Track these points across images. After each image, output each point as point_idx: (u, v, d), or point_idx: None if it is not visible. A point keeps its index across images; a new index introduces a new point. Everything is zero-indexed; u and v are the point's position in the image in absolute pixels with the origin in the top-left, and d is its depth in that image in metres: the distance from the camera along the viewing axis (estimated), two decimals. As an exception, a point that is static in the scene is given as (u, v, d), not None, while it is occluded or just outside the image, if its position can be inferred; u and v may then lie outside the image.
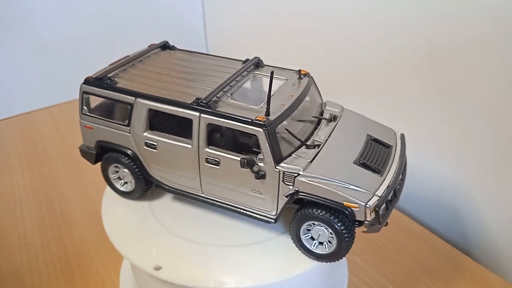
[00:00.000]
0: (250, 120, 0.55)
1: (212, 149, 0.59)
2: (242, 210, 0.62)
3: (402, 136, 0.65)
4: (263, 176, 0.57)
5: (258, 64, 0.71)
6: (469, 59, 0.83)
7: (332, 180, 0.54)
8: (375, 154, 0.60)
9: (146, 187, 0.69)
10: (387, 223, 0.57)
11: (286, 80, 0.66)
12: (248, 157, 0.57)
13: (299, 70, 0.68)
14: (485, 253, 0.91)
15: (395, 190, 0.57)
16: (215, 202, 0.64)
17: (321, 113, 0.67)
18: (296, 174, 0.55)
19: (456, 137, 0.90)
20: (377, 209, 0.53)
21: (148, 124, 0.64)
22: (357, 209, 0.53)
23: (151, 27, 1.57)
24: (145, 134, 0.64)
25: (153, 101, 0.62)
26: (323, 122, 0.65)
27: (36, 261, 0.89)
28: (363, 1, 1.00)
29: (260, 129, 0.55)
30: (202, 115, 0.58)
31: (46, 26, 1.44)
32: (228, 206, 0.63)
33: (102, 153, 0.71)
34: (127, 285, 0.79)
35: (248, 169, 0.57)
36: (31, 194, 1.09)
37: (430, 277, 0.84)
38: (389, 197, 0.56)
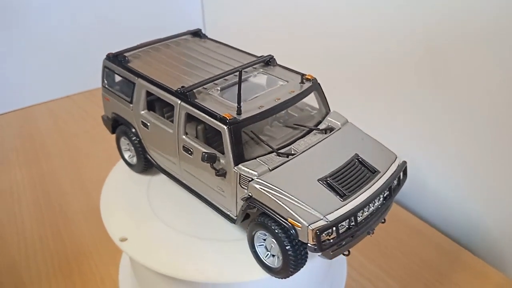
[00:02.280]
0: (217, 116, 0.55)
1: (187, 138, 0.61)
2: (211, 203, 0.62)
3: (403, 163, 0.59)
4: (223, 174, 0.56)
5: (268, 62, 0.68)
6: (468, 55, 0.82)
7: (284, 193, 0.51)
8: (352, 176, 0.55)
9: (146, 163, 0.72)
10: (348, 252, 0.54)
11: (287, 82, 0.64)
12: (212, 152, 0.56)
13: (302, 75, 0.64)
14: (484, 248, 0.91)
15: (356, 218, 0.52)
16: (191, 190, 0.65)
17: (318, 123, 0.63)
18: (250, 179, 0.53)
19: (456, 132, 0.90)
20: (318, 233, 0.48)
21: (145, 104, 0.67)
22: (300, 228, 0.49)
23: (149, 20, 1.56)
24: (142, 112, 0.68)
25: (149, 83, 0.65)
26: (314, 132, 0.61)
27: (34, 257, 0.89)
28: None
29: (225, 127, 0.54)
30: (181, 103, 0.60)
31: (44, 21, 1.44)
32: (200, 197, 0.64)
33: (118, 124, 0.75)
34: (126, 280, 0.79)
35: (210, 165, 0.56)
36: (29, 189, 1.09)
37: (429, 272, 0.84)
38: (347, 225, 0.51)
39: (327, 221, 0.49)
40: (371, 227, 0.55)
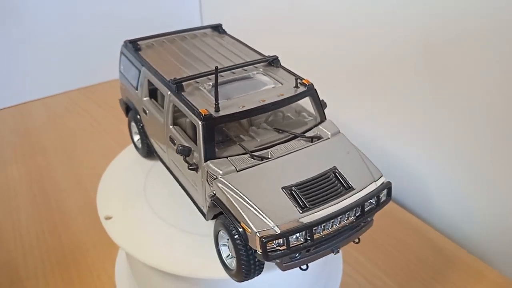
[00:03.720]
0: (194, 110, 0.55)
1: (173, 129, 0.62)
2: (190, 196, 0.63)
3: (387, 183, 0.55)
4: (195, 169, 0.56)
5: (271, 63, 0.67)
6: (465, 53, 0.83)
7: (242, 196, 0.50)
8: (321, 189, 0.52)
9: (148, 149, 0.75)
10: (307, 266, 0.53)
11: (281, 84, 0.62)
12: (187, 146, 0.56)
13: (298, 79, 0.62)
14: (480, 246, 0.91)
15: (312, 233, 0.49)
16: (177, 180, 0.66)
17: (308, 130, 0.61)
18: (215, 177, 0.53)
19: (454, 130, 0.90)
20: (264, 241, 0.47)
21: (148, 91, 0.69)
22: (250, 234, 0.48)
23: (146, 18, 1.56)
24: (144, 99, 0.70)
25: (150, 72, 0.66)
26: (299, 139, 0.59)
27: (31, 253, 0.89)
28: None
29: (199, 122, 0.54)
30: (170, 93, 0.61)
31: (40, 17, 1.43)
32: (183, 188, 0.65)
33: (130, 109, 0.78)
34: (122, 276, 0.79)
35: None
36: (25, 185, 1.08)
37: (425, 269, 0.84)
38: (303, 239, 0.49)
39: (276, 231, 0.48)
40: (336, 245, 0.53)
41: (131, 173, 0.75)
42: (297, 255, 0.51)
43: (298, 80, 0.61)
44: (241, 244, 0.50)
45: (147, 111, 0.69)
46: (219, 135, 0.61)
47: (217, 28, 0.80)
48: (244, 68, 0.65)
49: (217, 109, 0.55)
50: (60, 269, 0.85)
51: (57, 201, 1.03)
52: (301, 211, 0.49)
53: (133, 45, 0.73)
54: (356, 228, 0.54)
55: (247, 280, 0.53)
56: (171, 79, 0.60)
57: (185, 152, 0.56)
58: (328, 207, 0.50)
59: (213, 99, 0.56)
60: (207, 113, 0.54)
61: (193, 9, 1.71)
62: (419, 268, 0.84)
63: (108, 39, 1.56)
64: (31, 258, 0.87)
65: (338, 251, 0.53)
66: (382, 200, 0.55)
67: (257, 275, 0.54)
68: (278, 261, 0.51)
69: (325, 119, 0.63)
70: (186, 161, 0.56)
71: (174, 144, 0.61)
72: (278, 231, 0.48)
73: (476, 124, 0.85)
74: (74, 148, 1.23)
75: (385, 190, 0.55)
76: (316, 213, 0.50)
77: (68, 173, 1.12)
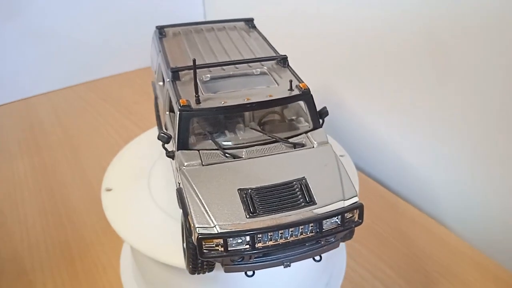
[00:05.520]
0: (176, 99, 0.56)
1: (167, 115, 0.63)
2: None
3: (358, 205, 0.51)
4: (171, 157, 0.57)
5: (279, 62, 0.66)
6: (469, 43, 0.82)
7: (196, 190, 0.50)
8: (279, 197, 0.50)
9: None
10: (253, 273, 0.51)
11: (277, 85, 0.61)
12: (167, 133, 0.57)
13: (290, 81, 0.59)
14: (484, 240, 0.91)
15: (254, 241, 0.47)
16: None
17: (295, 135, 0.59)
18: (180, 168, 0.53)
19: (459, 125, 0.90)
20: (200, 237, 0.46)
21: (161, 77, 0.70)
22: (192, 228, 0.48)
23: (149, 11, 1.56)
24: (158, 84, 0.72)
25: (162, 58, 0.67)
26: (280, 143, 0.57)
27: (37, 246, 0.89)
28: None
29: (178, 112, 0.55)
30: (167, 80, 0.62)
31: (45, 11, 1.43)
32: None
33: None
34: (127, 269, 0.80)
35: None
36: (31, 180, 1.09)
37: (428, 263, 0.84)
38: (244, 245, 0.48)
39: (215, 231, 0.47)
40: (289, 259, 0.51)
41: (145, 154, 0.78)
42: (239, 259, 0.49)
43: (293, 83, 0.59)
44: (190, 237, 0.50)
45: (158, 97, 0.72)
46: (209, 127, 0.61)
47: (248, 23, 0.80)
48: (250, 64, 0.65)
49: (197, 101, 0.56)
50: (65, 262, 0.85)
51: (62, 195, 1.03)
52: (248, 216, 0.48)
53: (159, 32, 0.75)
54: (315, 245, 0.51)
55: (195, 274, 0.53)
56: (172, 68, 0.61)
57: (163, 139, 0.56)
58: (279, 217, 0.48)
59: (204, 91, 0.57)
60: (185, 104, 0.55)
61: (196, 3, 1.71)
62: (423, 262, 0.85)
63: (111, 33, 1.57)
64: (36, 252, 0.88)
65: (289, 265, 0.51)
66: (348, 221, 0.51)
67: (208, 272, 0.54)
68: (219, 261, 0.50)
69: (320, 126, 0.60)
70: (165, 148, 0.57)
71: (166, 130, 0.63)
72: (217, 231, 0.47)
73: (479, 117, 0.85)
74: (78, 142, 1.24)
75: (356, 211, 0.51)
76: (263, 221, 0.48)
77: (73, 167, 1.13)
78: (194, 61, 0.55)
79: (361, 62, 1.07)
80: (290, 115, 0.65)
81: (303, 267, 0.65)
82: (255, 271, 0.52)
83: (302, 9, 1.19)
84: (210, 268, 0.54)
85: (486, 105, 0.83)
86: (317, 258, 0.53)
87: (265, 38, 0.75)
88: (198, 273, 0.54)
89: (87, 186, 1.05)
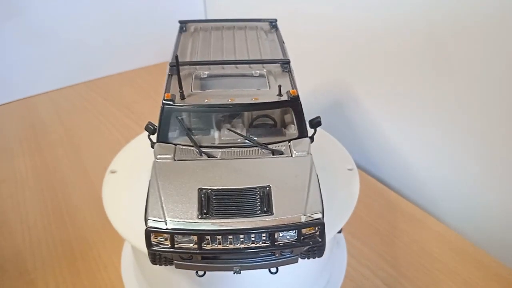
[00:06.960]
0: (163, 94, 0.58)
1: None
2: None
3: (318, 222, 0.49)
4: (153, 147, 0.58)
5: (282, 65, 0.66)
6: (469, 43, 0.82)
7: (158, 183, 0.51)
8: (236, 202, 0.49)
9: None
10: (204, 273, 0.53)
11: (269, 89, 0.61)
12: (152, 124, 0.58)
13: (279, 86, 0.59)
14: (485, 238, 0.91)
15: (201, 242, 0.48)
16: None
17: (278, 142, 0.58)
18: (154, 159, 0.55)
19: (458, 122, 0.90)
20: (148, 230, 0.48)
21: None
22: (145, 220, 0.49)
23: (149, 13, 1.56)
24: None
25: (174, 51, 0.69)
26: (259, 148, 0.57)
27: (38, 245, 0.89)
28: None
29: (161, 105, 0.57)
30: (169, 74, 0.63)
31: (46, 11, 1.43)
32: None
33: None
34: (128, 268, 0.80)
35: None
36: (32, 179, 1.09)
37: (428, 260, 0.84)
38: (192, 244, 0.48)
39: (163, 226, 0.48)
40: (239, 265, 0.51)
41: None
42: (189, 258, 0.50)
43: (283, 89, 0.59)
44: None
45: None
46: (196, 124, 0.61)
47: (271, 23, 0.81)
48: (252, 65, 0.65)
49: (182, 97, 0.57)
50: (67, 261, 0.86)
51: (64, 194, 1.03)
52: (199, 216, 0.48)
53: (180, 26, 0.77)
54: (268, 257, 0.51)
55: (155, 264, 0.54)
56: (173, 62, 0.62)
57: (149, 130, 0.58)
58: (230, 222, 0.48)
59: (196, 87, 0.58)
60: (169, 98, 0.57)
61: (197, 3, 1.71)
62: (424, 260, 0.85)
63: (111, 33, 1.57)
64: (38, 251, 0.88)
65: (238, 272, 0.51)
66: (308, 237, 0.50)
67: (167, 265, 0.54)
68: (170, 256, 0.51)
69: (306, 136, 0.59)
70: (149, 139, 0.59)
71: None
72: (165, 227, 0.48)
73: (485, 118, 0.85)
74: (79, 141, 1.24)
75: (316, 228, 0.49)
76: (212, 223, 0.48)
77: (74, 166, 1.13)
78: (176, 57, 0.57)
79: (361, 61, 1.07)
80: (284, 121, 0.63)
81: (303, 266, 0.65)
82: (206, 271, 0.54)
83: (303, 8, 1.19)
84: (169, 261, 0.54)
85: (486, 105, 0.83)
86: (273, 270, 0.53)
87: (281, 40, 0.74)
88: (160, 265, 0.55)
89: (89, 184, 1.06)
